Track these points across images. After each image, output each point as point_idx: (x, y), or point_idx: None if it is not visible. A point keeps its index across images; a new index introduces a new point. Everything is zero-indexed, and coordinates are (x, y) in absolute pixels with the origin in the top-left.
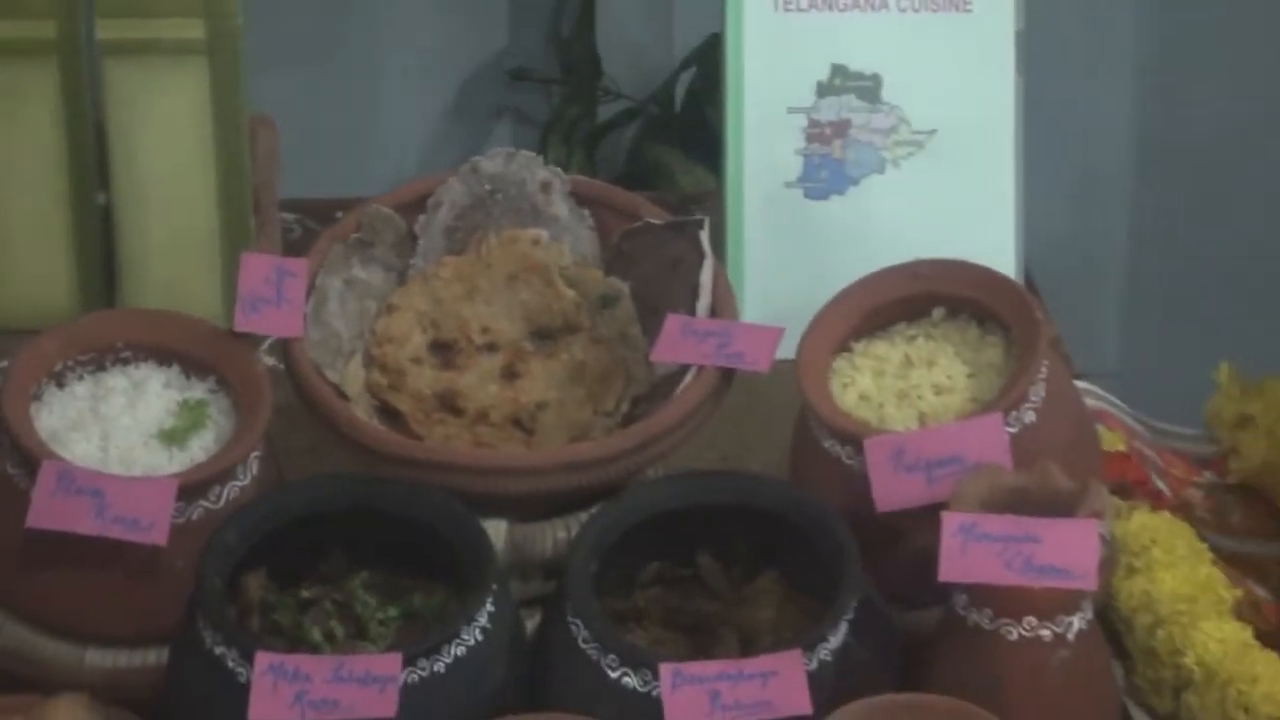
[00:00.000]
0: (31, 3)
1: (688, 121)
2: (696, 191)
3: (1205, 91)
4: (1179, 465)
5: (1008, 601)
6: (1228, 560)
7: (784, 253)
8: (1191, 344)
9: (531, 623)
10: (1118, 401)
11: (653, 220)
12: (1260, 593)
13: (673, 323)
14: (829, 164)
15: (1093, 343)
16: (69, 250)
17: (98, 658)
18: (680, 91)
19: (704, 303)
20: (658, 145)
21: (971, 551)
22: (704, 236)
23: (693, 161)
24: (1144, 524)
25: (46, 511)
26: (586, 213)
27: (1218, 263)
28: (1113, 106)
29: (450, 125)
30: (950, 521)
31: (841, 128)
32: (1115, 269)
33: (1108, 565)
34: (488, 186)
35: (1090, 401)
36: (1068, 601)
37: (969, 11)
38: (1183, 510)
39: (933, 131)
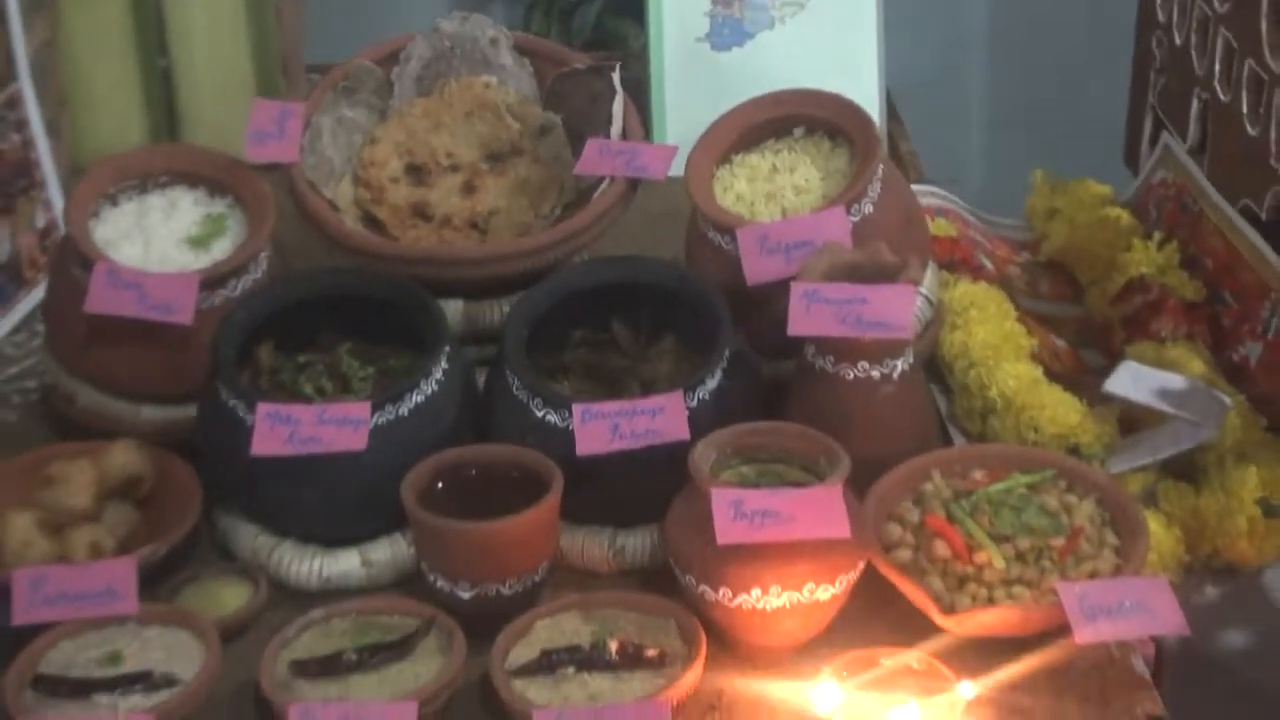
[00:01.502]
0: None
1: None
2: (642, 50)
3: None
4: (1003, 248)
5: (843, 350)
6: (1037, 319)
7: (695, 93)
8: (1025, 158)
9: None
10: (957, 200)
11: (577, 66)
12: (1059, 343)
13: (592, 145)
14: (730, 23)
15: (956, 159)
16: (139, 103)
17: (150, 412)
18: None
19: (616, 128)
20: (615, 18)
21: (814, 311)
22: (616, 77)
23: (642, 29)
24: (965, 291)
25: (100, 301)
26: (527, 61)
27: (1047, 101)
28: None
29: (451, 6)
30: (797, 288)
31: None
32: (971, 104)
33: (936, 323)
34: (448, 43)
35: (932, 200)
36: (891, 349)
37: None
38: (1004, 282)
39: None
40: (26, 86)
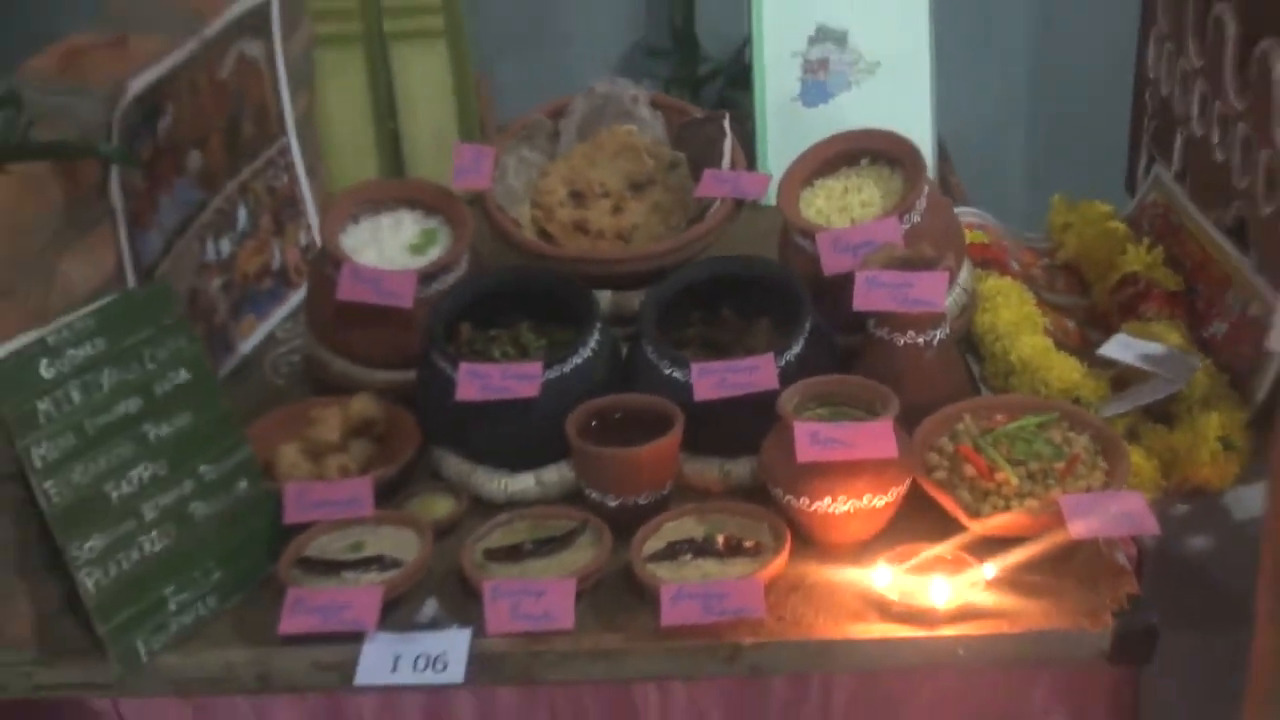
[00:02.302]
0: (347, 10)
1: (748, 77)
2: (751, 109)
3: (1074, 47)
4: (1028, 254)
5: (895, 321)
6: (1054, 308)
7: (790, 138)
8: (1047, 186)
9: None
10: (991, 218)
11: (697, 115)
12: (1070, 324)
13: (708, 174)
14: (816, 85)
15: (995, 188)
16: (374, 152)
17: (381, 375)
18: (748, 54)
19: (725, 162)
20: (732, 89)
21: (873, 293)
22: (726, 124)
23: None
24: (993, 284)
25: (347, 292)
26: (659, 114)
27: (1066, 140)
28: (1001, 42)
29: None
30: (860, 275)
31: (823, 64)
32: (1010, 145)
33: (970, 308)
34: (600, 101)
35: (973, 218)
36: (931, 321)
37: None
38: (1029, 280)
39: (878, 63)
40: (293, 140)
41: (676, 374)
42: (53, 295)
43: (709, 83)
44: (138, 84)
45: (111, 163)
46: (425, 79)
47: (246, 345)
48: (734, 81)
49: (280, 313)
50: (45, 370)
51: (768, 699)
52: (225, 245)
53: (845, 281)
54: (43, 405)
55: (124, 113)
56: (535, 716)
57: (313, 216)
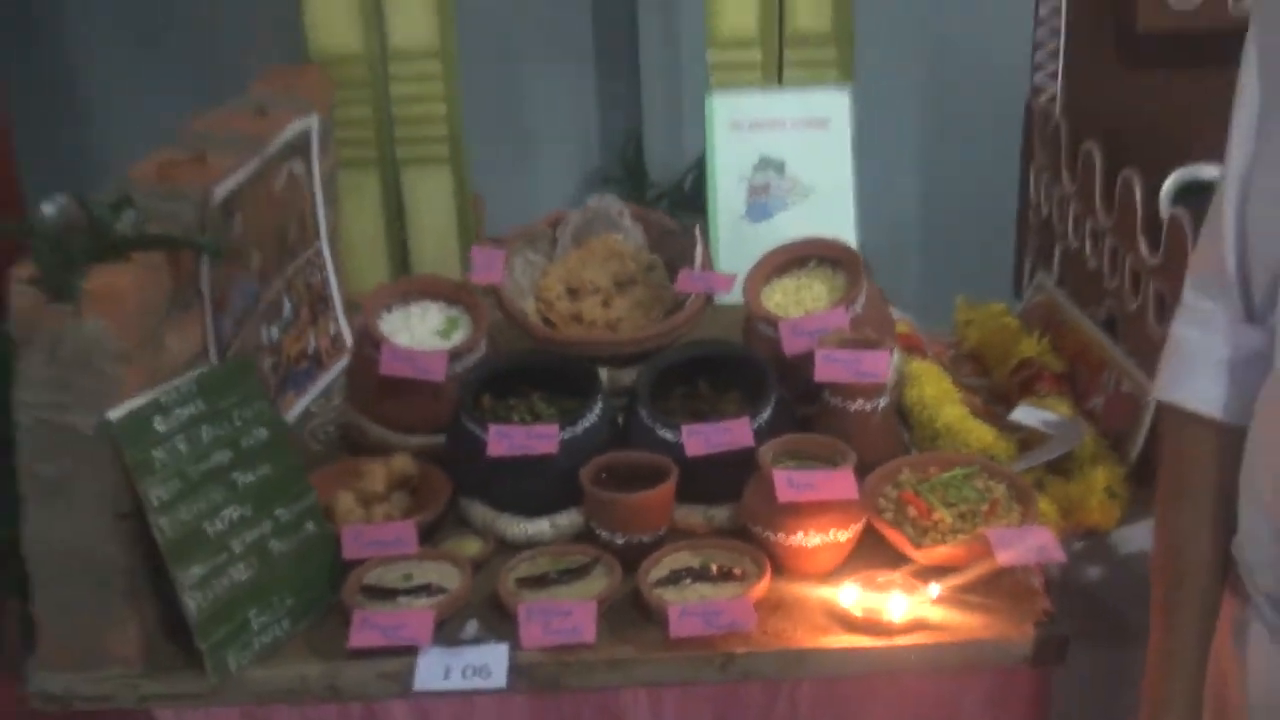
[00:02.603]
0: (366, 139)
1: (692, 197)
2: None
3: (963, 175)
4: (938, 345)
5: (847, 391)
6: (964, 387)
7: (738, 248)
8: (951, 288)
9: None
10: (908, 316)
11: (671, 228)
12: (977, 400)
13: (683, 274)
14: (760, 205)
15: (900, 287)
16: (386, 255)
17: (414, 439)
18: (687, 182)
19: (698, 264)
20: (676, 210)
21: (830, 367)
22: (698, 234)
23: (691, 216)
24: (918, 365)
25: (388, 368)
26: (640, 225)
27: (965, 253)
28: (906, 171)
29: (576, 200)
30: (820, 352)
31: (765, 188)
32: (910, 256)
33: (900, 385)
34: (591, 214)
35: (896, 314)
36: (876, 390)
37: (827, 128)
38: (941, 363)
39: (811, 187)
40: (325, 245)
41: (668, 435)
42: (160, 362)
43: (656, 204)
44: (219, 192)
45: (206, 253)
46: (430, 197)
47: (289, 417)
48: (676, 204)
49: (314, 390)
50: (159, 424)
51: (746, 705)
52: (275, 331)
53: (801, 361)
54: (157, 454)
55: (210, 215)
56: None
57: (339, 310)
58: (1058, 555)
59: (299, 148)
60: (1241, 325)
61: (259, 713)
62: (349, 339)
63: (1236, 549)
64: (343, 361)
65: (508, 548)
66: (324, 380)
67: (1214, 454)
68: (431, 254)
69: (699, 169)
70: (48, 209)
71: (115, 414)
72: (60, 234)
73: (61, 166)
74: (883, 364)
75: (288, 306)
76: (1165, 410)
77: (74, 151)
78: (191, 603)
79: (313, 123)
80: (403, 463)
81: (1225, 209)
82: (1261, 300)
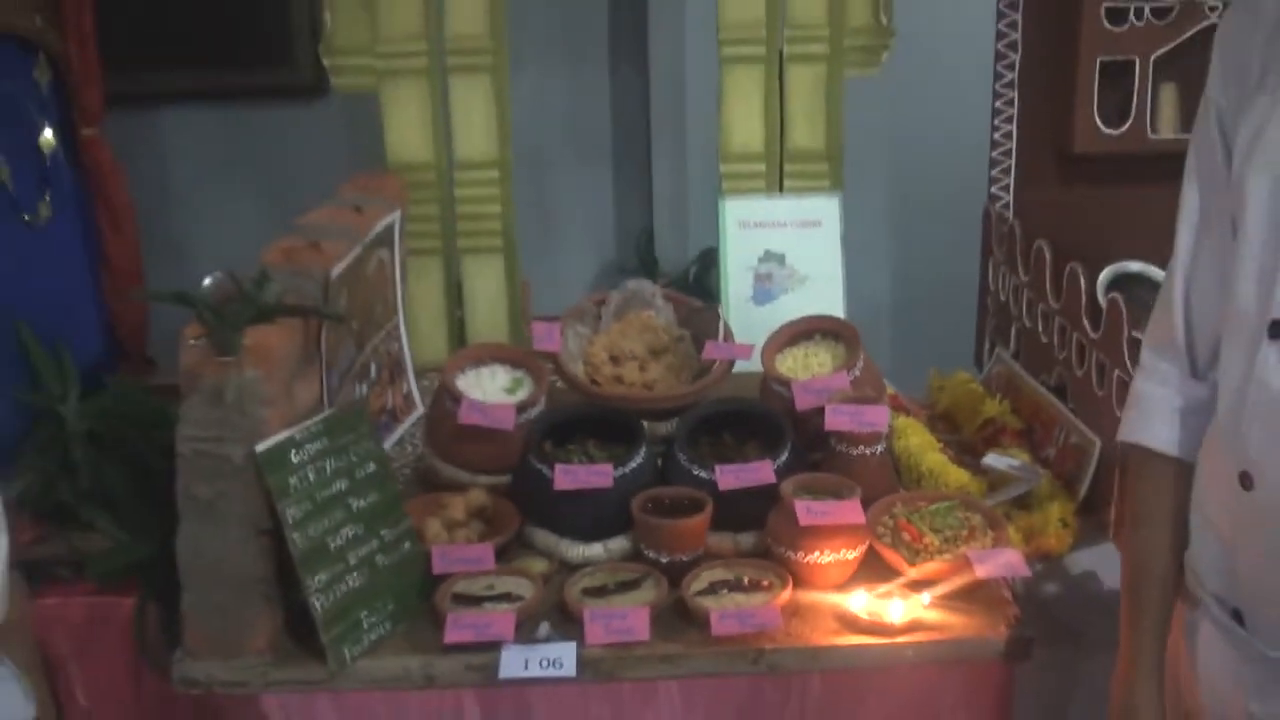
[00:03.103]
0: (431, 231)
1: (696, 286)
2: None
3: (926, 262)
4: (916, 405)
5: (852, 439)
6: (939, 441)
7: (745, 326)
8: (921, 360)
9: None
10: (888, 382)
11: (696, 306)
12: (949, 452)
13: (709, 344)
14: (764, 291)
15: (879, 359)
16: (445, 331)
17: (483, 479)
18: (692, 272)
19: (720, 337)
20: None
21: (838, 418)
22: (720, 312)
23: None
24: (904, 421)
25: (465, 418)
26: (671, 304)
27: (936, 331)
28: (884, 263)
29: (596, 284)
30: (829, 407)
31: (769, 276)
32: (887, 330)
33: (891, 435)
34: (629, 294)
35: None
36: (875, 438)
37: (820, 227)
38: (920, 420)
39: (808, 276)
40: (401, 320)
41: (702, 474)
42: (292, 408)
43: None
44: (334, 272)
45: (327, 321)
46: (485, 282)
47: None
48: (683, 290)
49: (390, 440)
50: (294, 456)
51: (761, 697)
52: (364, 389)
53: (810, 415)
54: (292, 480)
55: (328, 291)
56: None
57: (411, 374)
58: (1024, 571)
59: (385, 239)
60: (1190, 381)
61: (349, 701)
62: (418, 398)
63: (1189, 559)
64: (413, 416)
65: (568, 567)
66: (399, 431)
67: (1172, 484)
68: (484, 328)
69: (702, 262)
70: (208, 283)
71: (261, 447)
72: (219, 302)
73: (155, 247)
74: (882, 416)
75: (374, 369)
76: (1130, 450)
77: (164, 235)
78: (317, 603)
79: (396, 219)
80: (479, 496)
81: (1175, 291)
82: (1204, 362)
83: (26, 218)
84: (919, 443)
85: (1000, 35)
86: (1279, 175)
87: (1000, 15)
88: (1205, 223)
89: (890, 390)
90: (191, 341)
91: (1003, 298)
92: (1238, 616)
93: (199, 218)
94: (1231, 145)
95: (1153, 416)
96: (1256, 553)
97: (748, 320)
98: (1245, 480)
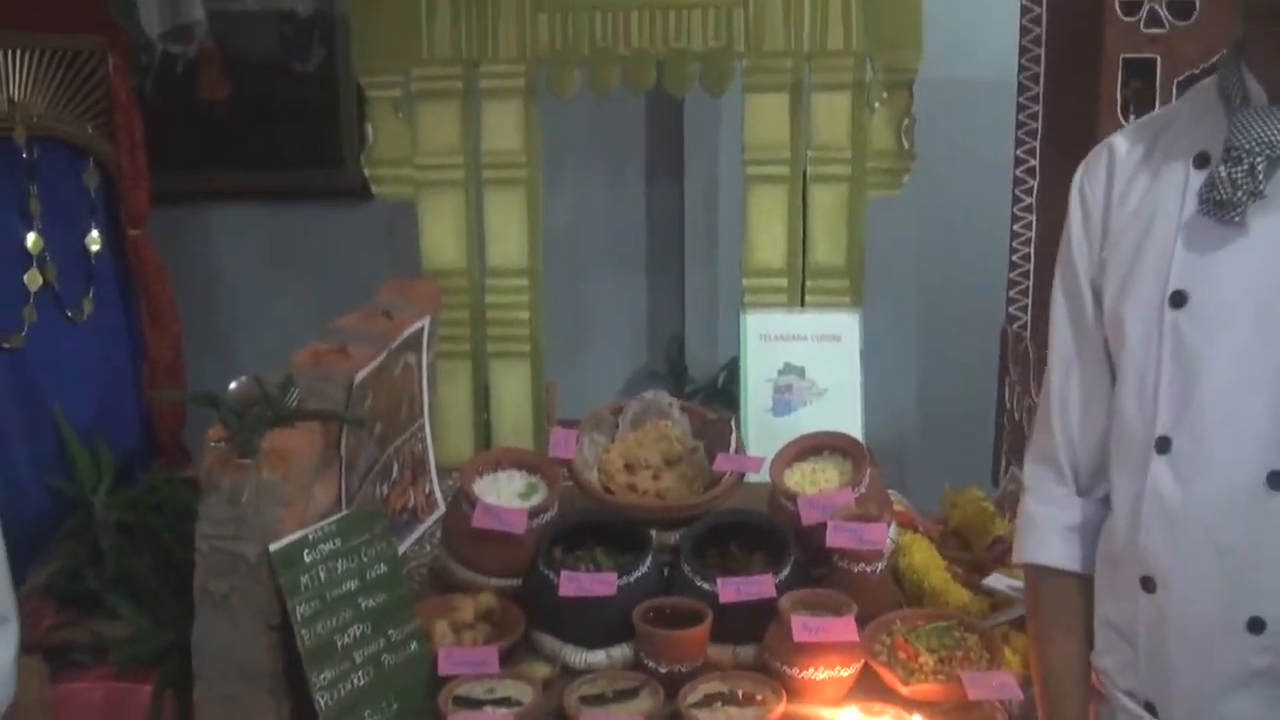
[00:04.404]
0: (461, 335)
1: (723, 393)
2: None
3: (945, 380)
4: (928, 522)
5: (853, 555)
6: (947, 558)
7: (765, 437)
8: (939, 475)
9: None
10: (903, 497)
11: (711, 418)
12: (958, 569)
13: (720, 456)
14: (783, 402)
15: (898, 472)
16: (472, 434)
17: (494, 581)
18: (720, 380)
19: (732, 449)
20: (711, 403)
21: (839, 535)
22: (732, 425)
23: (724, 409)
24: (910, 538)
25: (480, 521)
26: (686, 414)
27: (952, 447)
28: (904, 380)
29: (626, 392)
30: (831, 524)
31: (789, 388)
32: (905, 445)
33: (895, 553)
34: (645, 405)
35: (893, 495)
36: (876, 556)
37: (840, 342)
38: (931, 537)
39: (826, 390)
40: (427, 422)
41: (705, 585)
42: (309, 508)
43: (693, 398)
44: (359, 377)
45: (347, 424)
46: (511, 386)
47: None
48: (710, 398)
49: (410, 539)
50: (307, 556)
51: None
52: (384, 488)
53: (815, 530)
54: (304, 579)
55: (351, 395)
56: None
57: (434, 474)
58: (1016, 694)
59: (413, 344)
60: (1077, 500)
61: None
62: (440, 498)
63: (1097, 661)
64: (435, 516)
65: (570, 672)
66: (419, 530)
67: (1077, 597)
68: (510, 429)
69: (730, 370)
70: (234, 386)
71: (275, 546)
72: (243, 406)
73: (199, 342)
74: (882, 535)
75: (396, 469)
76: (1031, 570)
77: (209, 331)
78: (322, 700)
79: (425, 323)
80: (487, 599)
81: (1053, 418)
82: (1086, 482)
83: (70, 314)
84: (923, 560)
85: (1018, 161)
86: (1150, 312)
87: (1019, 142)
88: (1079, 359)
89: (902, 505)
90: (213, 444)
91: (1017, 417)
92: (1151, 709)
93: (243, 314)
94: (1100, 292)
95: (1048, 536)
96: (1163, 650)
97: (767, 431)
98: (1147, 584)
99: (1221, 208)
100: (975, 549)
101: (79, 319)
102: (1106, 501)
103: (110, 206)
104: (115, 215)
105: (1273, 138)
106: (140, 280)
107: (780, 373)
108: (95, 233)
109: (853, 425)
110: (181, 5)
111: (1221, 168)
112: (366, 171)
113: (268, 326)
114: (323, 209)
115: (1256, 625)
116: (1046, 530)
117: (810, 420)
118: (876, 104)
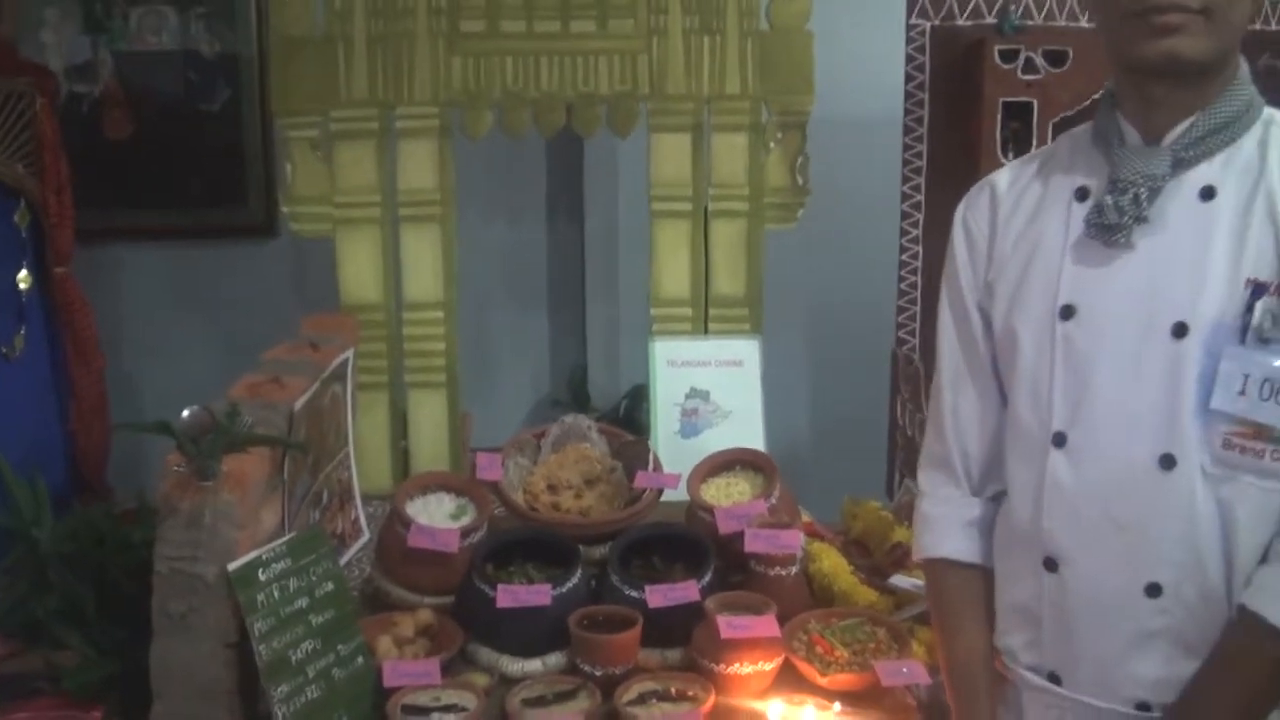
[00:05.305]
0: (380, 367)
1: (626, 420)
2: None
3: (838, 401)
4: (830, 531)
5: (769, 560)
6: (851, 564)
7: (674, 458)
8: (835, 490)
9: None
10: (805, 509)
11: (629, 439)
12: (860, 574)
13: (640, 474)
14: (690, 425)
15: (796, 488)
16: (389, 463)
17: (428, 600)
18: (622, 408)
19: (650, 467)
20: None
21: (756, 541)
22: (650, 445)
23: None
24: (817, 545)
25: (414, 541)
26: (604, 438)
27: (843, 457)
28: (800, 401)
29: (531, 420)
30: (749, 531)
31: (695, 411)
32: (802, 462)
33: (805, 560)
34: (566, 428)
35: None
36: (791, 560)
37: (742, 367)
38: (834, 546)
39: (730, 412)
40: (351, 450)
41: (634, 593)
42: (259, 531)
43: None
44: (297, 405)
45: (289, 450)
46: (429, 415)
47: None
48: (614, 424)
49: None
50: (261, 575)
51: None
52: (316, 514)
53: (732, 539)
54: (260, 596)
55: (292, 423)
56: None
57: (359, 501)
58: (925, 679)
59: (340, 375)
60: (971, 499)
61: None
62: (364, 524)
63: (999, 639)
64: (360, 541)
65: (508, 681)
66: (346, 555)
67: (977, 586)
68: (427, 457)
69: (632, 397)
70: (186, 415)
71: (233, 566)
72: (196, 433)
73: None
74: (796, 539)
75: (326, 495)
76: (932, 565)
77: (120, 368)
78: (280, 713)
79: (350, 355)
80: (426, 615)
81: (945, 427)
82: (977, 483)
83: (3, 351)
84: (832, 565)
85: (905, 196)
86: (1041, 325)
87: (905, 178)
88: (969, 372)
89: (807, 517)
90: (175, 468)
91: (910, 433)
92: (1054, 678)
93: (149, 350)
94: (987, 313)
95: (947, 533)
96: (1067, 622)
97: (676, 452)
98: (1050, 564)
99: (1108, 231)
100: (876, 555)
101: (11, 355)
102: (997, 500)
103: (38, 245)
104: (42, 254)
105: (1151, 170)
106: (66, 317)
107: (687, 396)
108: (24, 271)
109: (755, 444)
110: (77, 45)
111: (1108, 197)
112: (285, 209)
113: (174, 362)
114: (227, 247)
115: (1154, 590)
116: (944, 527)
117: (716, 441)
118: (772, 144)
